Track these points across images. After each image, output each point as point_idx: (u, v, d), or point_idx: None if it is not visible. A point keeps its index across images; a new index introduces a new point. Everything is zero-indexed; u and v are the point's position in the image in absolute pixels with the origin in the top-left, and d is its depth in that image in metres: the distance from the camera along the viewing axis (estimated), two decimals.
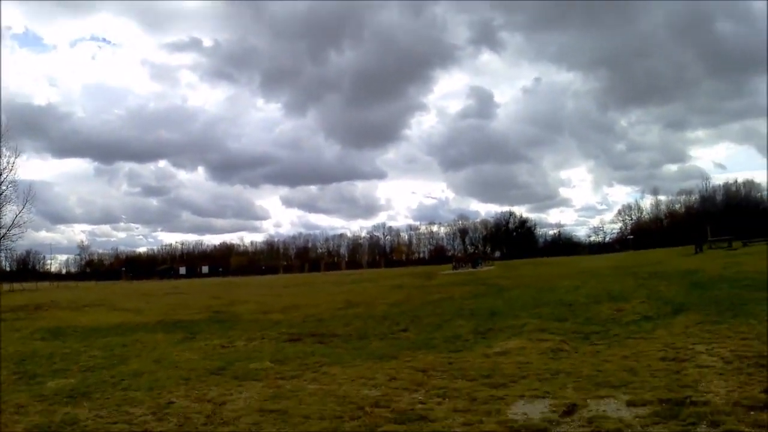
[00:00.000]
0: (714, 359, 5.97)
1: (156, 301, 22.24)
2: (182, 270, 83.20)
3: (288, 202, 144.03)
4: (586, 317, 9.57)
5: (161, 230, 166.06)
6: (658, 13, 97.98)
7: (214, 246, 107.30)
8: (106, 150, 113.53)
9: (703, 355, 6.17)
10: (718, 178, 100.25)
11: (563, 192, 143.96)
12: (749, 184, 75.37)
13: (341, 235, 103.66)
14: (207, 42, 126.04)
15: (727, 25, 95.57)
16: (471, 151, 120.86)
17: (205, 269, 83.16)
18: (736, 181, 76.32)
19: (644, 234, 74.90)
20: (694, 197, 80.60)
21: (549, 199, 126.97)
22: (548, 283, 17.32)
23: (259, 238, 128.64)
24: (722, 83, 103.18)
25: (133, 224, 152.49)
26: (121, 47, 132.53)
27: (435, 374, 6.18)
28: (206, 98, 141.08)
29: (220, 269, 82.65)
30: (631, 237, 71.56)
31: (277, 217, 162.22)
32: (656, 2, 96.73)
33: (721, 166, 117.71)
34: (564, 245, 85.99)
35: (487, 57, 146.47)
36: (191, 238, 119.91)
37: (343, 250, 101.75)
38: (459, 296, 15.23)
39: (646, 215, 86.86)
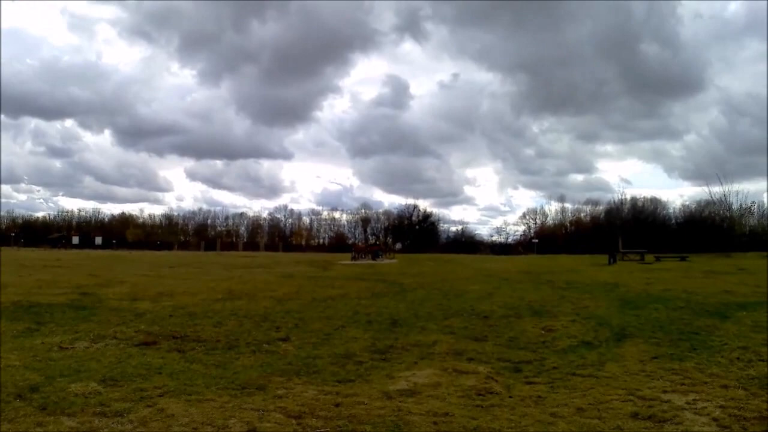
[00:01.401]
0: (704, 420, 4.41)
1: (29, 274, 19.13)
2: (75, 239, 77.66)
3: (192, 176, 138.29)
4: (509, 337, 7.89)
5: (62, 195, 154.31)
6: (586, 25, 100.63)
7: (113, 216, 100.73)
8: (14, 103, 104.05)
9: (687, 413, 4.57)
10: (621, 192, 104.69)
11: (468, 190, 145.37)
12: (655, 201, 78.36)
13: (242, 214, 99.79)
14: None
15: (651, 47, 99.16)
16: (381, 140, 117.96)
17: (98, 240, 78.03)
18: (644, 197, 78.89)
19: (548, 239, 76.26)
20: (601, 207, 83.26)
21: (453, 196, 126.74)
22: (455, 285, 15.78)
23: (160, 210, 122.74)
24: (637, 103, 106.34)
25: (34, 186, 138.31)
26: None
27: (313, 423, 4.22)
28: (122, 57, 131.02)
29: (114, 241, 77.83)
30: (536, 241, 72.43)
31: (181, 190, 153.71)
32: (586, 15, 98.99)
33: (626, 181, 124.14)
34: (466, 243, 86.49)
35: (408, 46, 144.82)
36: (93, 206, 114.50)
37: (243, 230, 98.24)
38: (355, 294, 13.34)
39: (550, 221, 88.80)
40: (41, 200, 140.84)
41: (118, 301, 11.97)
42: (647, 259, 32.87)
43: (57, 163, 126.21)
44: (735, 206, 55.56)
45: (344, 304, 11.34)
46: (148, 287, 15.08)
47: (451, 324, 8.89)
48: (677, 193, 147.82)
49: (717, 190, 58.03)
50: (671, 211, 77.76)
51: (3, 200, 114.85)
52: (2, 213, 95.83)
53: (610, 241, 34.91)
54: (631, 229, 59.88)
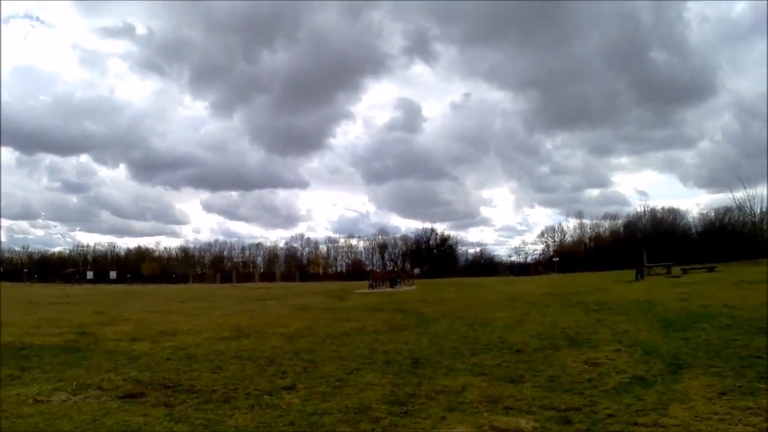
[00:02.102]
0: None
1: (33, 312, 18.73)
2: (90, 274, 78.13)
3: (208, 208, 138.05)
4: (549, 375, 6.85)
5: (80, 230, 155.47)
6: (594, 37, 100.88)
7: (129, 249, 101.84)
8: (29, 139, 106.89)
9: None
10: (640, 205, 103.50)
11: (484, 211, 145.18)
12: (674, 211, 77.00)
13: (258, 245, 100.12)
14: (140, 30, 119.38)
15: (660, 55, 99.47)
16: (395, 164, 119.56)
17: (113, 275, 77.97)
18: (662, 208, 77.55)
19: (568, 257, 74.91)
20: (619, 221, 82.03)
21: (470, 218, 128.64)
22: (480, 313, 14.75)
23: (177, 243, 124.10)
24: (650, 113, 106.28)
25: (51, 222, 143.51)
26: (54, 28, 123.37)
27: None
28: (134, 90, 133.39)
29: (128, 275, 78.07)
30: (557, 259, 71.03)
31: (197, 222, 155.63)
32: (593, 27, 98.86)
33: (642, 193, 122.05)
34: (485, 265, 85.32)
35: (419, 69, 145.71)
36: (110, 240, 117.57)
37: (259, 261, 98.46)
38: (372, 328, 12.36)
39: (569, 238, 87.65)
40: (58, 235, 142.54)
41: (116, 342, 11.24)
42: (674, 272, 31.56)
43: (73, 198, 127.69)
44: (756, 211, 53.86)
45: (360, 341, 10.37)
46: (152, 325, 14.39)
47: (480, 361, 7.88)
48: (694, 202, 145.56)
49: (736, 195, 56.50)
50: (690, 220, 76.77)
51: (20, 236, 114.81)
52: (18, 248, 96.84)
53: (634, 255, 33.62)
54: (651, 241, 58.64)
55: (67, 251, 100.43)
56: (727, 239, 59.90)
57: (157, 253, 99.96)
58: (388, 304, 19.77)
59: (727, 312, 11.67)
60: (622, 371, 6.88)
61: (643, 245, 36.70)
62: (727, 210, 68.69)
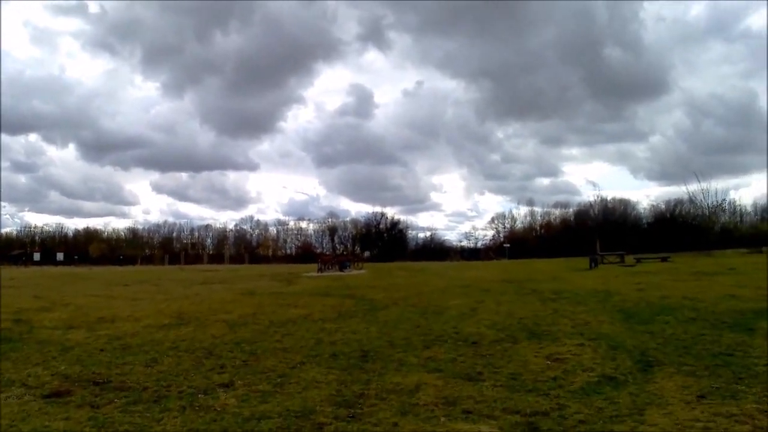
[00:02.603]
0: None
1: None
2: (36, 256, 75.43)
3: (158, 189, 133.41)
4: (510, 373, 6.23)
5: (28, 210, 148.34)
6: (549, 30, 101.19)
7: (78, 230, 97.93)
8: None
9: None
10: (591, 194, 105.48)
11: (434, 197, 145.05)
12: (624, 202, 78.21)
13: (207, 226, 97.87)
14: (93, 8, 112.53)
15: (615, 51, 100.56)
16: (346, 149, 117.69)
17: (60, 256, 75.51)
18: (613, 198, 78.68)
19: (519, 243, 75.44)
20: (570, 210, 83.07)
21: (420, 203, 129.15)
22: (432, 300, 14.18)
23: (127, 224, 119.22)
24: (602, 106, 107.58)
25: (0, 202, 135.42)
26: (6, 4, 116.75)
27: None
28: (85, 70, 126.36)
29: (76, 257, 75.93)
30: (508, 245, 71.46)
31: (147, 203, 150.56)
32: (549, 20, 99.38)
33: (592, 184, 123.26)
34: (436, 249, 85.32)
35: (372, 55, 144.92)
36: (60, 221, 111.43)
37: (209, 242, 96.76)
38: (319, 314, 11.63)
39: (519, 225, 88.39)
40: (7, 216, 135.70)
41: (51, 330, 10.27)
42: (627, 261, 31.86)
43: (22, 178, 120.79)
44: (705, 204, 54.96)
45: (306, 330, 9.61)
46: (91, 311, 13.38)
47: (434, 355, 7.23)
48: (643, 194, 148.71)
49: (685, 189, 57.71)
50: (641, 211, 78.33)
51: None
52: None
53: (586, 243, 33.81)
54: (603, 231, 59.55)
55: (14, 232, 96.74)
56: (678, 230, 61.16)
57: (106, 234, 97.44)
58: (336, 288, 19.05)
59: (688, 304, 11.41)
60: (588, 368, 6.33)
61: (597, 234, 36.84)
62: (678, 202, 70.64)
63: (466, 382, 5.87)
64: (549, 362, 6.75)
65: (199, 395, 5.70)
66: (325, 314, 11.73)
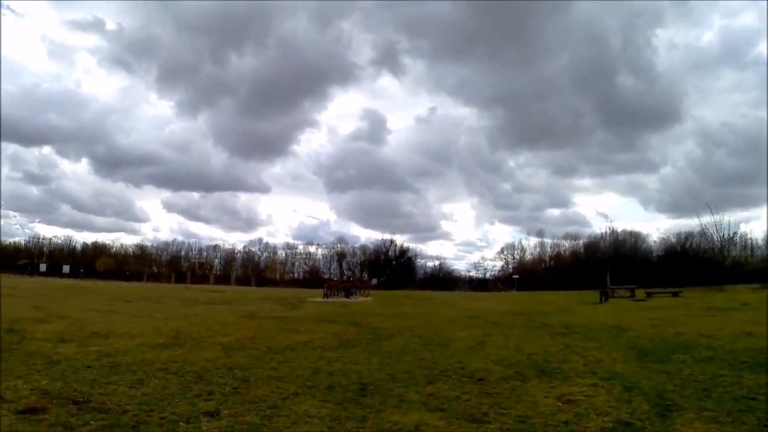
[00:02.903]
0: None
1: None
2: (43, 267, 74.73)
3: (169, 207, 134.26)
4: (518, 415, 5.78)
5: (39, 222, 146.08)
6: (562, 58, 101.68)
7: (87, 244, 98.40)
8: None
9: None
10: (604, 226, 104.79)
11: (445, 225, 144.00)
12: (634, 234, 77.31)
13: (216, 247, 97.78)
14: (110, 25, 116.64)
15: (627, 79, 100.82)
16: (358, 174, 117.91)
17: (66, 269, 75.21)
18: (624, 231, 77.79)
19: (528, 274, 74.62)
20: (581, 242, 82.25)
21: (430, 231, 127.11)
22: (438, 331, 13.74)
23: (136, 240, 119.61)
24: (613, 136, 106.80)
25: (11, 212, 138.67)
26: (24, 18, 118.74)
27: None
28: (101, 86, 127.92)
29: (82, 270, 75.15)
30: (517, 276, 70.65)
31: (157, 221, 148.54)
32: (562, 48, 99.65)
33: (603, 215, 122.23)
34: (444, 279, 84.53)
35: (386, 80, 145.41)
36: (70, 234, 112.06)
37: (217, 263, 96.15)
38: (320, 342, 11.23)
39: (529, 256, 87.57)
40: (17, 226, 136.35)
41: (42, 342, 10.04)
42: (638, 295, 31.18)
43: (34, 190, 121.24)
44: (716, 237, 54.09)
45: (304, 358, 9.20)
46: (87, 325, 13.18)
47: (437, 392, 6.79)
48: (654, 226, 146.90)
49: (697, 222, 56.83)
50: (651, 244, 77.39)
51: None
52: None
53: (596, 276, 33.17)
54: (613, 263, 58.78)
55: (22, 242, 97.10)
56: (688, 264, 60.28)
57: (114, 249, 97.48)
58: (341, 315, 18.64)
59: (704, 342, 10.89)
60: (603, 412, 5.87)
61: (607, 267, 36.20)
62: (689, 235, 69.90)
63: (470, 424, 5.43)
64: (560, 404, 6.29)
65: (181, 423, 5.36)
66: (326, 342, 11.32)
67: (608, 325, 14.91)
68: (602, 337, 12.37)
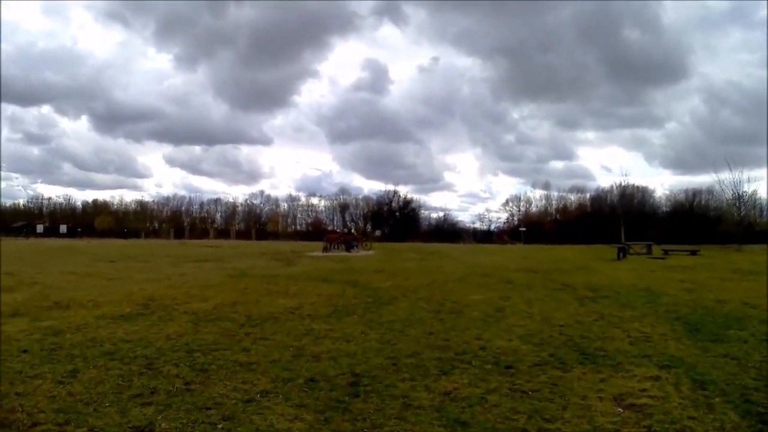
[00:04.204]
0: None
1: None
2: (39, 228, 74.00)
3: (171, 162, 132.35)
4: (573, 427, 4.16)
5: (41, 182, 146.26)
6: (567, 10, 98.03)
7: (87, 203, 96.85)
8: None
9: None
10: (617, 179, 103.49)
11: (448, 176, 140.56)
12: (642, 189, 75.41)
13: (217, 200, 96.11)
14: None
15: (633, 32, 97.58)
16: (360, 125, 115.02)
17: (63, 228, 74.57)
18: (632, 185, 75.80)
19: (534, 227, 73.04)
20: (588, 195, 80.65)
21: (433, 182, 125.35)
22: (447, 292, 12.07)
23: (138, 196, 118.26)
24: (618, 90, 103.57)
25: (12, 173, 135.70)
26: None
27: None
28: (97, 42, 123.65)
29: (79, 230, 74.71)
30: (524, 229, 69.02)
31: (160, 176, 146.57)
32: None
33: (607, 169, 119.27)
34: (448, 230, 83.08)
35: (387, 30, 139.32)
36: (72, 193, 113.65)
37: (218, 217, 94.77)
38: (309, 309, 9.57)
39: (534, 208, 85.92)
40: (20, 187, 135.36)
41: None
42: (655, 253, 29.54)
43: (35, 150, 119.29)
44: (728, 195, 52.17)
45: (286, 333, 7.50)
46: (54, 293, 11.57)
47: (454, 389, 5.07)
48: (658, 182, 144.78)
49: (703, 179, 55.43)
50: (658, 199, 75.81)
51: None
52: None
53: (606, 231, 31.55)
54: (619, 218, 57.49)
55: (21, 204, 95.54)
56: (699, 222, 58.95)
57: (114, 207, 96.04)
58: (339, 272, 17.00)
59: (754, 314, 9.41)
60: (675, 421, 4.23)
61: (621, 222, 34.50)
62: (696, 192, 69.18)
63: None
64: (621, 410, 4.62)
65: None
66: (316, 308, 9.66)
67: (637, 287, 13.30)
68: (636, 303, 10.76)
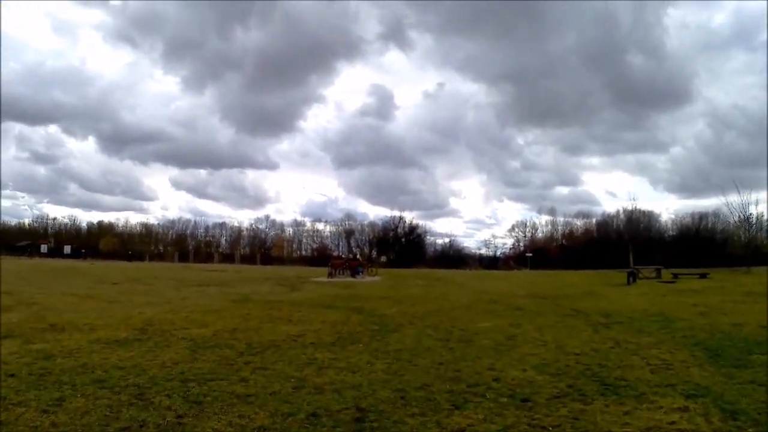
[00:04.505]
0: None
1: None
2: (44, 248, 74.48)
3: (177, 185, 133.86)
4: None
5: (47, 202, 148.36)
6: (571, 36, 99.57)
7: (92, 224, 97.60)
8: None
9: None
10: (609, 205, 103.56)
11: (453, 202, 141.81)
12: (648, 214, 75.07)
13: (222, 224, 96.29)
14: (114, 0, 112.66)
15: (637, 58, 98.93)
16: (365, 150, 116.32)
17: (67, 249, 74.68)
18: (638, 210, 75.44)
19: (540, 253, 72.52)
20: (594, 220, 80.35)
21: (438, 208, 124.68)
22: (456, 320, 11.66)
23: (144, 219, 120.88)
24: (623, 114, 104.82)
25: (19, 193, 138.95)
26: None
27: None
28: (105, 62, 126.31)
29: (83, 251, 74.25)
30: (530, 255, 68.54)
31: (166, 199, 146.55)
32: (572, 25, 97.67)
33: (612, 194, 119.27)
34: (454, 256, 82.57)
35: (393, 55, 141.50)
36: (78, 213, 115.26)
37: (223, 241, 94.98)
38: (313, 337, 9.15)
39: (540, 234, 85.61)
40: (26, 207, 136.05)
41: None
42: (664, 277, 29.02)
43: (41, 170, 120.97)
44: (734, 218, 51.62)
45: (288, 362, 7.09)
46: (51, 314, 11.33)
47: (470, 423, 4.69)
48: (663, 206, 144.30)
49: (709, 203, 55.25)
50: (664, 223, 75.57)
51: None
52: None
53: (613, 256, 31.10)
54: (626, 243, 56.99)
55: (26, 223, 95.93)
56: (705, 245, 58.44)
57: (119, 228, 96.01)
58: (344, 299, 16.58)
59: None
60: None
61: (630, 246, 33.99)
62: (702, 215, 68.90)
63: None
64: None
65: None
66: (320, 336, 9.26)
67: (650, 312, 12.88)
68: (651, 328, 10.36)
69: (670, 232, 72.89)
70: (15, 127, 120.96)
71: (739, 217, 48.57)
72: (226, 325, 10.33)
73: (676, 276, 28.83)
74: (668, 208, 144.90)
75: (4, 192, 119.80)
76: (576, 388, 5.86)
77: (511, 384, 6.04)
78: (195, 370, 6.50)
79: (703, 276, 29.08)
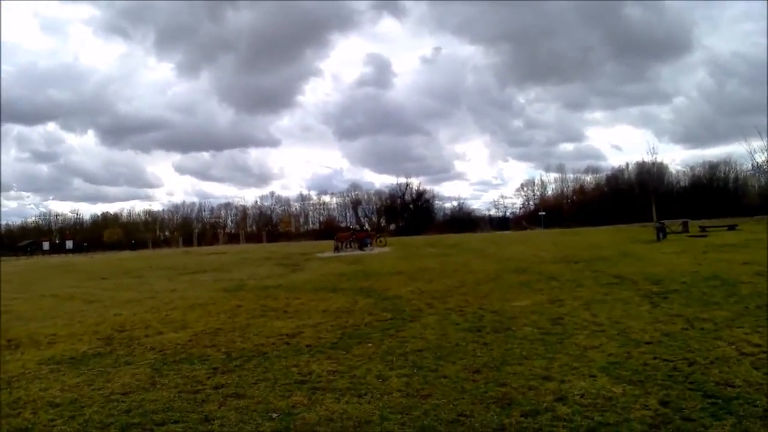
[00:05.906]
0: None
1: None
2: (45, 245, 73.18)
3: (181, 170, 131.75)
4: None
5: (53, 199, 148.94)
6: None
7: (96, 216, 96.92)
8: None
9: None
10: (615, 159, 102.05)
11: (458, 165, 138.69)
12: (659, 165, 73.11)
13: (227, 205, 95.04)
14: None
15: (634, 9, 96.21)
16: (366, 120, 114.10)
17: (69, 244, 73.20)
18: (653, 162, 73.48)
19: (552, 211, 70.83)
20: (603, 175, 78.68)
21: (444, 172, 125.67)
22: (483, 298, 10.00)
23: (152, 207, 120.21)
24: (624, 67, 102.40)
25: (24, 192, 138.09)
26: None
27: None
28: (98, 56, 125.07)
29: (85, 244, 72.81)
30: (543, 213, 66.71)
31: (170, 185, 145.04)
32: None
33: (617, 148, 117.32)
34: (464, 219, 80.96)
35: (387, 24, 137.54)
36: (85, 207, 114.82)
37: (230, 221, 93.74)
38: (310, 338, 7.39)
39: (549, 191, 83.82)
40: (32, 206, 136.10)
41: None
42: (692, 231, 27.28)
43: (44, 168, 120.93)
44: (750, 164, 49.71)
45: (272, 382, 5.37)
46: (15, 325, 9.86)
47: None
48: (669, 158, 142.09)
49: (716, 152, 53.49)
50: (675, 174, 73.89)
51: None
52: None
53: (628, 210, 29.32)
54: (637, 196, 55.40)
55: (29, 221, 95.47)
56: (718, 195, 56.93)
57: (123, 218, 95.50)
58: (350, 277, 14.82)
59: None
60: None
61: (653, 199, 32.12)
62: (712, 166, 68.17)
63: None
64: None
65: None
66: (319, 333, 7.59)
67: (703, 275, 11.16)
68: (716, 297, 8.72)
69: (682, 184, 71.41)
70: (13, 129, 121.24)
71: (752, 164, 46.78)
72: (208, 324, 8.69)
73: (704, 229, 27.12)
74: (674, 159, 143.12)
75: (10, 193, 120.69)
76: (675, 407, 4.15)
77: (582, 405, 4.31)
78: (147, 405, 4.81)
79: (731, 228, 27.44)
